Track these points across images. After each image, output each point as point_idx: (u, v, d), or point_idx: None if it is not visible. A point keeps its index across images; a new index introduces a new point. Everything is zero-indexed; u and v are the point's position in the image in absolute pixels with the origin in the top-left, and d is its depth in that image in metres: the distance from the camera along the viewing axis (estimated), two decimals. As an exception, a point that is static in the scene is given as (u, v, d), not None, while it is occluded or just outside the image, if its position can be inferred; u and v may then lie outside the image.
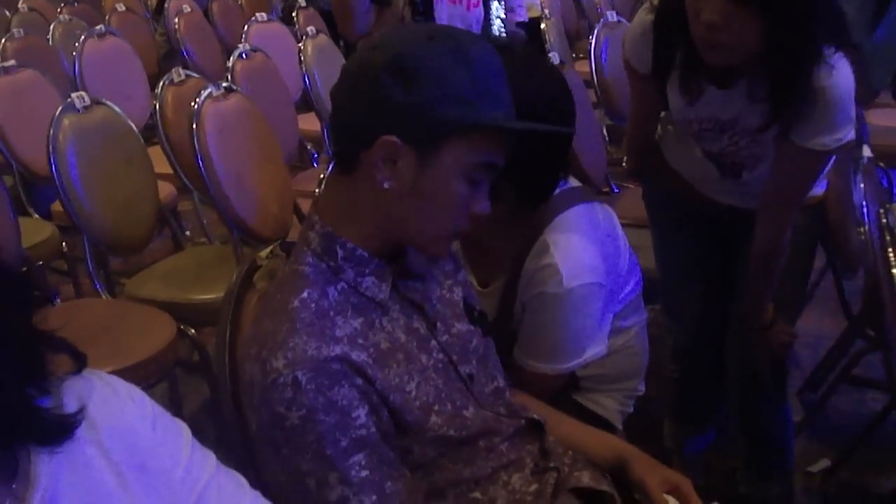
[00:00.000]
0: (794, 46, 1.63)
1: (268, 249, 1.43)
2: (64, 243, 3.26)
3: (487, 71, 1.19)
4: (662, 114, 2.10)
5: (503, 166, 1.24)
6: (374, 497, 1.17)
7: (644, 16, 1.90)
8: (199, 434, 1.05)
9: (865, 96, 2.45)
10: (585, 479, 1.40)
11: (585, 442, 1.50)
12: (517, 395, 1.50)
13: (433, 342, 1.31)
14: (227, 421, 1.36)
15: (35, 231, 3.22)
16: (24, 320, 0.91)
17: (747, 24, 1.61)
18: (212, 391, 2.77)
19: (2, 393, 0.88)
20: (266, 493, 1.10)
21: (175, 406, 2.74)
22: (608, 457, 1.47)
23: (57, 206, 3.37)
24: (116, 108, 2.89)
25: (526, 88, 1.36)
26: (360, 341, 1.20)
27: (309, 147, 4.18)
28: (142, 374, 2.22)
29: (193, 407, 2.95)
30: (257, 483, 1.10)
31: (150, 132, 3.65)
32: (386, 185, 1.19)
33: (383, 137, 1.16)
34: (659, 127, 2.16)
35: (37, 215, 3.55)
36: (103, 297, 2.78)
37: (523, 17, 2.76)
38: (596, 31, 3.78)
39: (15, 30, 4.99)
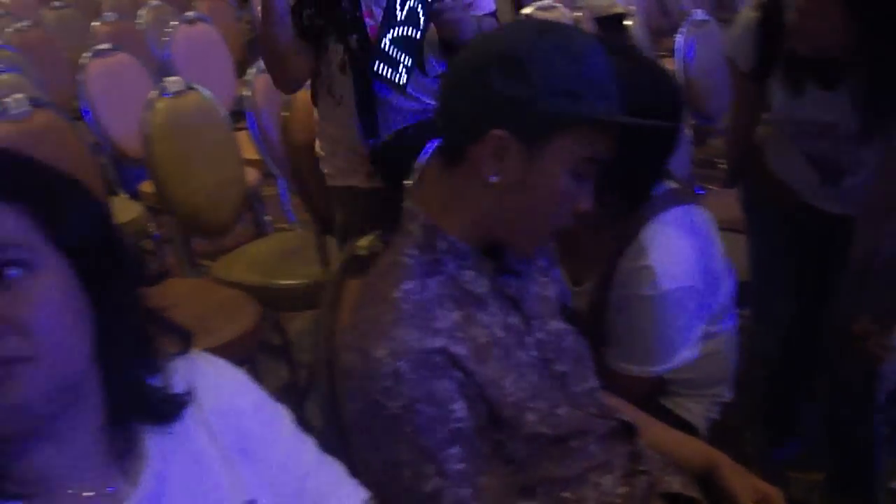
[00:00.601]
0: (884, 47, 1.61)
1: (367, 240, 1.44)
2: (151, 223, 3.33)
3: (596, 66, 1.19)
4: (764, 116, 2.07)
5: (608, 163, 1.24)
6: (469, 490, 1.17)
7: (749, 12, 1.89)
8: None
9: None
10: (676, 484, 1.38)
11: (673, 446, 1.48)
12: (607, 397, 1.49)
13: (528, 339, 1.31)
14: (323, 407, 1.38)
15: (123, 210, 3.30)
16: (136, 296, 0.93)
17: (831, 13, 1.61)
18: (290, 375, 2.81)
19: (116, 369, 0.90)
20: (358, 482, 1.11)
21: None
22: (696, 462, 1.46)
23: (144, 187, 3.45)
24: (208, 94, 2.95)
25: (634, 85, 1.34)
26: (459, 334, 1.20)
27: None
28: (227, 355, 2.23)
29: (270, 390, 2.98)
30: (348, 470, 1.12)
31: (234, 118, 3.71)
32: (492, 180, 1.19)
33: (492, 131, 1.17)
34: (760, 129, 2.13)
35: (125, 195, 3.64)
36: (190, 278, 2.84)
37: (489, 7, 2.43)
38: (683, 29, 3.72)
39: (107, 13, 5.12)
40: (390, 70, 2.12)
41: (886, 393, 2.82)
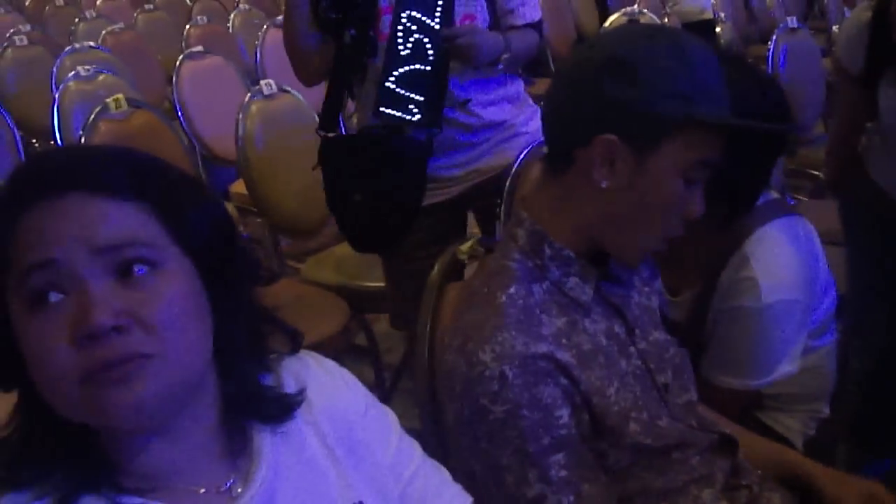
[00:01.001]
0: None
1: (468, 244, 1.45)
2: (240, 224, 3.39)
3: (707, 69, 1.18)
4: (868, 125, 2.03)
5: (717, 168, 1.22)
6: (571, 498, 1.16)
7: (861, 13, 1.86)
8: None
9: None
10: (776, 500, 1.36)
11: (768, 456, 1.45)
12: (704, 410, 1.46)
13: (632, 348, 1.30)
14: (423, 411, 1.38)
15: (214, 211, 3.35)
16: (252, 296, 0.94)
17: None
18: (376, 376, 2.83)
19: (231, 368, 0.91)
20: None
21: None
22: (790, 472, 1.42)
23: (234, 187, 3.51)
24: (300, 97, 2.99)
25: (741, 89, 1.32)
26: (564, 341, 1.20)
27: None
28: (318, 356, 2.28)
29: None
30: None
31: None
32: (602, 185, 1.18)
33: (601, 136, 1.16)
34: (864, 139, 2.08)
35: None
36: (282, 278, 2.89)
37: (532, 17, 2.20)
38: (775, 38, 3.66)
39: (198, 17, 5.23)
40: (396, 111, 2.06)
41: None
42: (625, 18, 4.53)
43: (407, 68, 2.05)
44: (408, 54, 2.05)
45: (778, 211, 1.60)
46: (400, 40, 2.04)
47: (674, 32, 1.23)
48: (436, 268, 1.44)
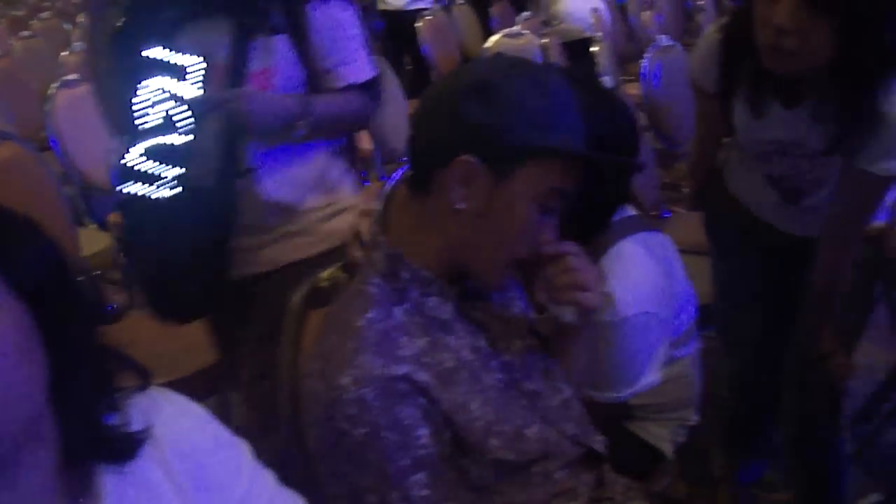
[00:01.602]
0: (864, 64, 1.63)
1: (329, 271, 1.45)
2: (119, 254, 3.31)
3: (564, 101, 1.23)
4: (725, 139, 2.10)
5: (572, 195, 1.26)
6: None
7: (712, 34, 1.92)
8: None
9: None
10: (639, 510, 1.39)
11: None
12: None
13: (494, 362, 1.32)
14: (286, 438, 1.38)
15: (92, 241, 3.27)
16: (93, 335, 0.93)
17: (816, 31, 1.60)
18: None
19: (72, 410, 0.89)
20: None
21: (225, 421, 2.75)
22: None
23: (113, 217, 3.42)
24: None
25: (593, 117, 1.37)
26: (425, 360, 1.22)
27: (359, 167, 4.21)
28: (193, 387, 2.21)
29: (238, 422, 2.96)
30: (312, 501, 1.12)
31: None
32: (459, 206, 1.21)
33: (460, 157, 1.19)
34: (722, 153, 2.16)
35: (93, 225, 3.62)
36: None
37: (356, 78, 1.92)
38: (649, 55, 3.77)
39: (76, 43, 5.11)
40: (141, 185, 1.76)
41: (853, 411, 2.86)
42: (506, 39, 4.63)
43: (154, 141, 1.76)
44: (155, 125, 1.76)
45: (634, 227, 1.65)
46: (140, 113, 1.76)
47: (535, 65, 1.28)
48: (297, 295, 1.44)
